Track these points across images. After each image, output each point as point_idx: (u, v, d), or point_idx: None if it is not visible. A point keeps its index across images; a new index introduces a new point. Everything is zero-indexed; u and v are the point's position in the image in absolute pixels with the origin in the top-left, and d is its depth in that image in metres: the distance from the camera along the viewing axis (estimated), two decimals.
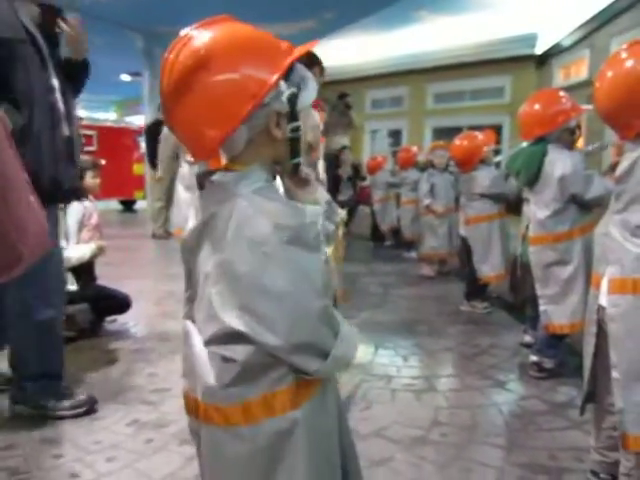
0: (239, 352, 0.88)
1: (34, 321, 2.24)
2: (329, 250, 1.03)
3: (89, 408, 2.36)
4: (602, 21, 5.93)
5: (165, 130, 4.65)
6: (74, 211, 3.28)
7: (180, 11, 4.89)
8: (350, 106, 8.03)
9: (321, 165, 2.58)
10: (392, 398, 2.62)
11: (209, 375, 0.91)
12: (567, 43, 7.04)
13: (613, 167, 2.24)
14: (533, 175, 2.74)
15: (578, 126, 2.80)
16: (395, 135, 10.29)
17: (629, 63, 1.53)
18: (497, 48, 8.31)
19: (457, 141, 4.20)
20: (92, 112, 14.40)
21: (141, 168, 10.67)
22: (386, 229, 7.19)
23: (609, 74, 1.58)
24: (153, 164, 7.49)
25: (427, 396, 2.64)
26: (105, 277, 3.64)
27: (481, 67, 8.62)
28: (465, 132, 4.48)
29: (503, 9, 7.51)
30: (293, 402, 0.93)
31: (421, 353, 3.29)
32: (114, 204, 11.94)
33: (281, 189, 1.02)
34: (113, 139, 11.58)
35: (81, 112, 10.38)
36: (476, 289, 4.15)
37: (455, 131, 5.54)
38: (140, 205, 11.91)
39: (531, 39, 8.00)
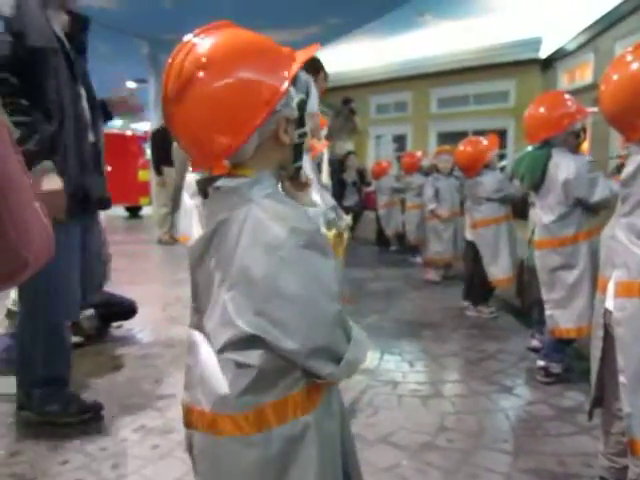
0: (254, 357, 0.88)
1: (43, 322, 2.23)
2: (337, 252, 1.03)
3: (95, 414, 2.35)
4: (606, 25, 5.93)
5: None
6: None
7: (185, 18, 4.92)
8: (354, 111, 8.05)
9: (326, 170, 2.58)
10: (398, 404, 2.60)
11: (221, 384, 0.90)
12: (571, 47, 7.04)
13: (619, 168, 2.23)
14: (538, 179, 2.74)
15: (583, 129, 2.79)
16: (400, 140, 10.31)
17: (634, 65, 1.53)
18: (501, 52, 8.33)
19: (460, 147, 4.20)
20: None
21: (146, 174, 10.70)
22: (391, 234, 7.17)
23: (614, 76, 1.58)
24: (158, 170, 7.54)
25: (433, 402, 2.63)
26: (111, 283, 3.64)
27: (485, 71, 8.63)
28: (469, 137, 4.47)
29: (507, 13, 7.52)
30: (304, 407, 0.92)
31: (427, 358, 3.27)
32: (120, 210, 11.98)
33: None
34: (118, 146, 11.63)
35: None
36: (482, 294, 4.13)
37: (460, 136, 5.54)
38: (146, 211, 11.96)
39: (535, 43, 8.01)
